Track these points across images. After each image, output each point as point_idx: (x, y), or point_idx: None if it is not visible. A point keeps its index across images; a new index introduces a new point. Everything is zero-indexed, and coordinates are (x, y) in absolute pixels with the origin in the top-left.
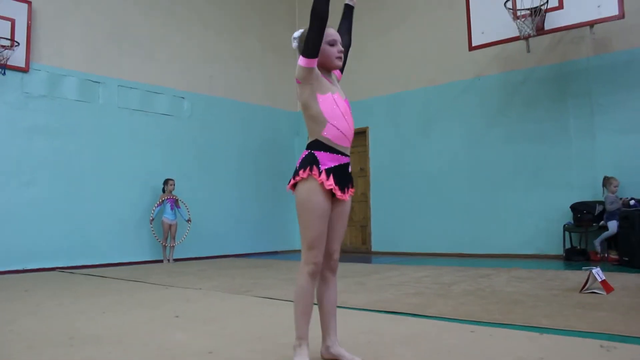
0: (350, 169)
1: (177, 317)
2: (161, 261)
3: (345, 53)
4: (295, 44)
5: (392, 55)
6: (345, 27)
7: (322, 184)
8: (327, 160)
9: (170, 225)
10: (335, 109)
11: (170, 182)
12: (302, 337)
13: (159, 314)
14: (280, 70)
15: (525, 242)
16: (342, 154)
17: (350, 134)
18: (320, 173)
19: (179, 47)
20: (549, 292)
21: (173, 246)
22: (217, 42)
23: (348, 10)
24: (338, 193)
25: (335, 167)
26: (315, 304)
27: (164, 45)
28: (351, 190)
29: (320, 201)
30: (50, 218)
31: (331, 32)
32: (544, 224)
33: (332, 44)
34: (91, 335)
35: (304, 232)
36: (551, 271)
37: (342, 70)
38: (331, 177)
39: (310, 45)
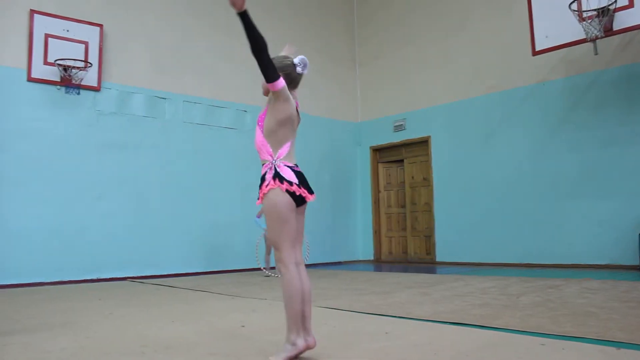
0: (262, 173)
1: (243, 326)
2: (259, 269)
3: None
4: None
5: (452, 63)
6: None
7: None
8: None
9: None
10: None
11: None
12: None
13: (226, 323)
14: (340, 82)
15: (596, 252)
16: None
17: (257, 147)
18: None
19: (240, 61)
20: (624, 304)
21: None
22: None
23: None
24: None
25: None
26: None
27: (225, 60)
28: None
29: None
30: (120, 230)
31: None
32: (616, 233)
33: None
34: (162, 344)
35: None
36: (626, 282)
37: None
38: None
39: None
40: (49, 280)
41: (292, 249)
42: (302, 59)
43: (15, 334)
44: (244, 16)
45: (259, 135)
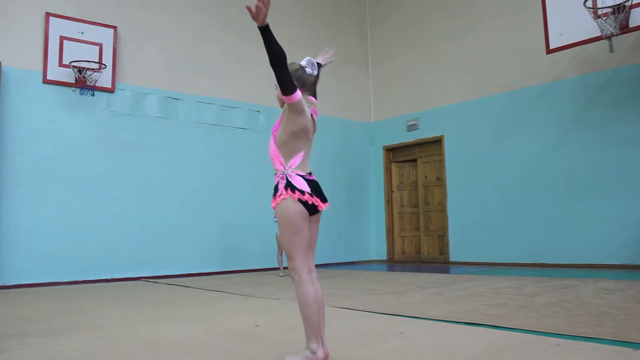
0: (274, 183)
1: (257, 326)
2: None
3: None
4: (316, 72)
5: (465, 62)
6: None
7: None
8: None
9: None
10: None
11: None
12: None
13: (239, 323)
14: (352, 82)
15: (612, 252)
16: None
17: (270, 156)
18: None
19: (253, 62)
20: None
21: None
22: (289, 55)
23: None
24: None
25: None
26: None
27: (238, 61)
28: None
29: None
30: (135, 230)
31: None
32: (632, 233)
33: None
34: (175, 343)
35: None
36: None
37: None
38: None
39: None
40: (63, 280)
41: (305, 258)
42: (309, 59)
43: (30, 334)
44: (265, 30)
45: (272, 145)
